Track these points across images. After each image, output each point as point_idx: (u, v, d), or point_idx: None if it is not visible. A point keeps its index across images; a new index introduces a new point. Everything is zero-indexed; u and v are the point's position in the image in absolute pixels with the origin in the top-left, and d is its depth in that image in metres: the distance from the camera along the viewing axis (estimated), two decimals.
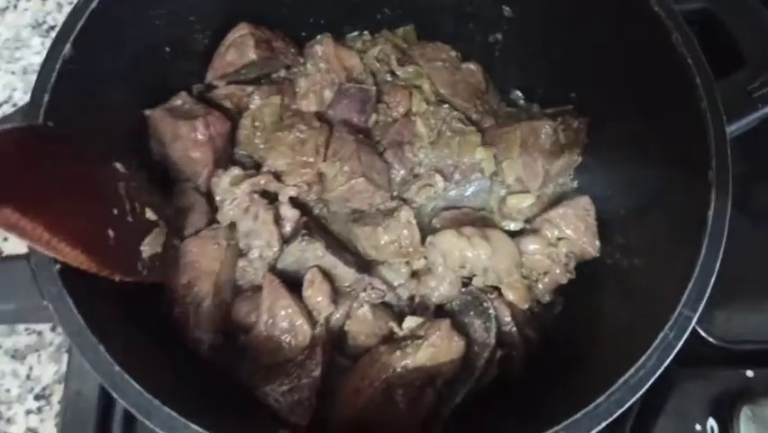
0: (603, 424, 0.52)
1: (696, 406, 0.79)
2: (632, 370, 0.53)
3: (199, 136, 0.77)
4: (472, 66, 0.93)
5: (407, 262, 0.81)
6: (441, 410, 0.70)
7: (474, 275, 0.79)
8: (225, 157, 0.84)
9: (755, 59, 0.70)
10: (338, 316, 0.76)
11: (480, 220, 0.85)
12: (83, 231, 0.56)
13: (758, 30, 0.69)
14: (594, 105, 0.83)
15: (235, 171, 0.79)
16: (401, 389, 0.69)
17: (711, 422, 0.79)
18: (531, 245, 0.79)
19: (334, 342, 0.76)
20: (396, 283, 0.80)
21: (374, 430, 0.68)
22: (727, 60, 0.70)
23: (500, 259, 0.77)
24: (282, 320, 0.72)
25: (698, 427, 0.79)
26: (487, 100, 0.93)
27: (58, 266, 0.55)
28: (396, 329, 0.75)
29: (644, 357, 0.54)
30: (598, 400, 0.52)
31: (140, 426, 0.81)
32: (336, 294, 0.76)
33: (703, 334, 0.84)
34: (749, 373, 0.81)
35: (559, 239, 0.80)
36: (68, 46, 0.63)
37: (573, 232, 0.79)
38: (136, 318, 0.63)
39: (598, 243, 0.79)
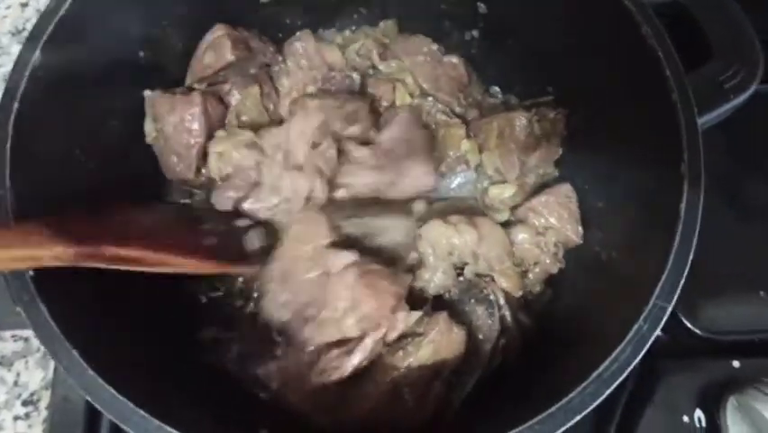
0: (578, 417, 0.52)
1: (683, 397, 0.80)
2: (606, 363, 0.54)
3: (196, 108, 0.78)
4: (454, 59, 0.93)
5: None
6: (451, 399, 0.71)
7: (465, 263, 0.79)
8: None
9: (725, 51, 0.70)
10: None
11: (468, 210, 0.85)
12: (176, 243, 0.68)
13: (727, 22, 0.69)
14: (571, 99, 0.83)
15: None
16: (408, 387, 0.69)
17: (698, 413, 0.80)
18: (519, 235, 0.80)
19: None
20: None
21: (384, 428, 0.68)
22: (697, 53, 0.71)
23: (490, 246, 0.78)
24: None
25: (685, 418, 0.79)
26: (470, 93, 0.93)
27: (31, 273, 0.55)
28: None
29: (617, 350, 0.54)
30: (572, 394, 0.52)
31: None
32: None
33: (690, 326, 0.84)
34: (735, 364, 0.81)
35: (546, 228, 0.80)
36: (37, 53, 0.63)
37: (557, 220, 0.79)
38: (114, 320, 0.62)
39: (581, 229, 0.80)
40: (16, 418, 0.88)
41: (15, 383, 0.90)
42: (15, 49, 1.12)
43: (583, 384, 0.53)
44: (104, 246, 0.60)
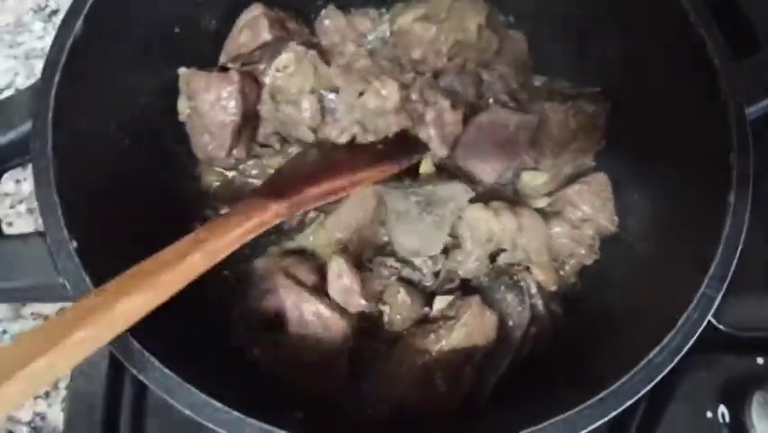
0: (628, 403, 0.52)
1: (707, 393, 0.79)
2: (656, 349, 0.53)
3: (233, 85, 0.76)
4: (517, 34, 0.91)
5: None
6: (483, 385, 0.70)
7: (503, 249, 0.78)
8: (250, 128, 0.83)
9: None
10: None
11: (507, 197, 0.84)
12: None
13: None
14: (615, 89, 0.82)
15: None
16: (439, 371, 0.68)
17: (722, 409, 0.79)
18: (556, 228, 0.79)
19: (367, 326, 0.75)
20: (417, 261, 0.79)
21: (415, 412, 0.68)
22: (743, 45, 0.69)
23: (530, 237, 0.77)
24: (311, 319, 0.71)
25: (709, 414, 0.79)
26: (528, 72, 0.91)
27: (74, 243, 0.54)
28: (428, 312, 0.75)
29: (668, 337, 0.54)
30: (623, 380, 0.52)
31: (149, 409, 0.80)
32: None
33: (714, 322, 0.83)
34: (759, 361, 0.81)
35: (583, 221, 0.79)
36: (79, 23, 0.62)
37: (590, 208, 0.79)
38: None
39: (616, 218, 0.79)
40: (35, 397, 0.87)
41: None
42: (38, 26, 1.12)
43: (633, 370, 0.52)
44: (305, 191, 0.70)
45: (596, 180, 0.80)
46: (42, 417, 0.86)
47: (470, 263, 0.77)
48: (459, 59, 0.86)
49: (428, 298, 0.76)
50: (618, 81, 0.81)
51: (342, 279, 0.72)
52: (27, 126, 0.60)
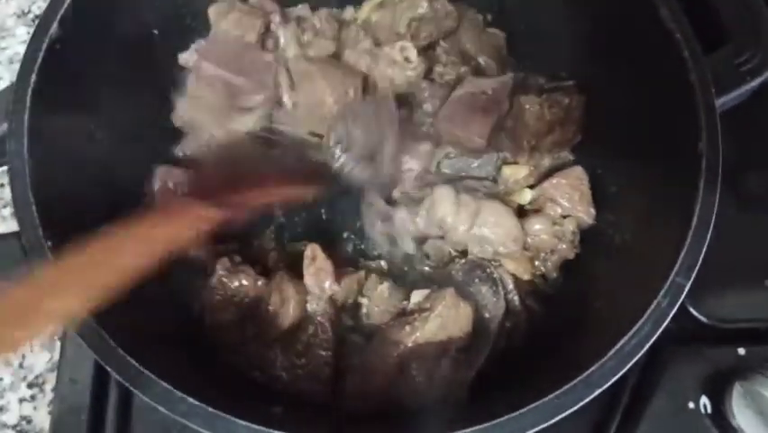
0: (598, 391, 0.53)
1: (689, 384, 0.80)
2: (626, 338, 0.54)
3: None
4: (497, 31, 0.94)
5: None
6: (462, 379, 0.71)
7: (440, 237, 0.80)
8: None
9: (740, 35, 0.70)
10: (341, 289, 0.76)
11: (485, 191, 0.85)
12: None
13: (742, 5, 0.70)
14: (589, 83, 0.83)
15: None
16: (415, 363, 0.69)
17: (704, 399, 0.80)
18: (536, 225, 0.79)
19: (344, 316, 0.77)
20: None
21: (393, 405, 0.69)
22: (712, 38, 0.71)
23: (493, 227, 0.77)
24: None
25: (691, 404, 0.80)
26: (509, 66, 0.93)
27: (49, 243, 0.55)
28: (406, 305, 0.76)
29: (637, 325, 0.54)
30: (593, 368, 0.53)
31: (134, 412, 0.80)
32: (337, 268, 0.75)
33: (696, 314, 0.84)
34: (741, 351, 0.82)
35: (564, 216, 0.80)
36: (54, 25, 0.63)
37: (568, 201, 0.79)
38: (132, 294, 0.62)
39: (593, 210, 0.80)
40: (22, 400, 0.87)
41: (20, 366, 0.89)
42: (21, 31, 1.12)
43: (603, 359, 0.53)
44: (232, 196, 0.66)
45: (573, 173, 0.81)
46: (29, 420, 0.86)
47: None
48: (423, 34, 0.89)
49: (407, 292, 0.77)
50: (593, 75, 0.82)
51: (315, 262, 0.73)
52: (2, 129, 0.61)
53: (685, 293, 0.56)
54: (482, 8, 0.94)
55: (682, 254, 0.56)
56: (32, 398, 0.87)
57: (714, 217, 0.58)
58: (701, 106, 0.61)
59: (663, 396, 0.80)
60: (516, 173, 0.85)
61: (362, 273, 0.78)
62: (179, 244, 0.58)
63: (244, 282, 0.74)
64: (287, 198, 0.78)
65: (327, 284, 0.73)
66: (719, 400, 0.79)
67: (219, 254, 0.77)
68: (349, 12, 0.94)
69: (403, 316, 0.73)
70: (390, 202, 0.82)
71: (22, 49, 1.09)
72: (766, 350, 0.81)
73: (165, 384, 0.51)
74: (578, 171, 0.81)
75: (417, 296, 0.75)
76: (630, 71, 0.73)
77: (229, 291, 0.73)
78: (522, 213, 0.82)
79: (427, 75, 0.88)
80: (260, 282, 0.74)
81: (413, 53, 0.84)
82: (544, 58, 0.89)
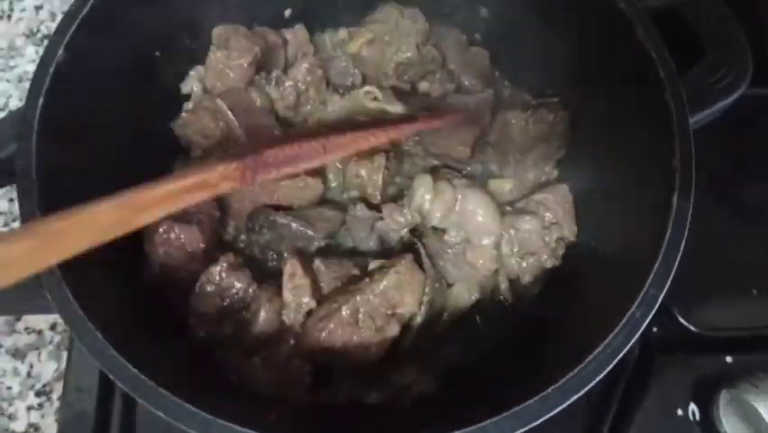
0: (572, 398, 0.55)
1: (678, 391, 0.82)
2: (600, 347, 0.56)
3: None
4: (481, 50, 0.97)
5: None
6: (405, 338, 0.74)
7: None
8: None
9: (716, 54, 0.73)
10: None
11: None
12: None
13: (718, 24, 0.72)
14: (572, 100, 0.86)
15: None
16: (366, 315, 0.71)
17: (693, 406, 0.82)
18: (526, 224, 0.81)
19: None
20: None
21: (340, 357, 0.71)
22: (690, 53, 0.73)
23: (471, 220, 0.80)
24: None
25: (679, 411, 0.82)
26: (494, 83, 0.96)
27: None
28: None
29: (611, 335, 0.56)
30: (567, 377, 0.55)
31: (138, 418, 0.83)
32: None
33: (684, 322, 0.86)
34: (728, 359, 0.84)
35: (552, 224, 0.82)
36: (61, 50, 0.66)
37: (553, 216, 0.82)
38: (136, 305, 0.65)
39: (575, 227, 0.82)
40: (29, 408, 0.90)
41: (29, 375, 0.92)
42: (30, 50, 1.16)
43: (578, 368, 0.55)
44: (265, 152, 0.64)
45: (558, 190, 0.84)
46: (36, 427, 0.89)
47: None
48: (407, 75, 0.93)
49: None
50: (575, 93, 0.85)
51: (294, 278, 0.75)
52: (11, 149, 0.64)
53: (658, 305, 0.58)
54: (467, 29, 0.97)
55: (656, 266, 0.59)
56: (40, 406, 0.90)
57: (687, 231, 0.60)
58: (675, 123, 0.64)
59: (652, 403, 0.82)
60: (502, 186, 0.88)
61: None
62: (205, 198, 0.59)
63: (239, 283, 0.75)
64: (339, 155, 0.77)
65: (305, 300, 0.74)
66: (707, 407, 0.81)
67: (224, 249, 0.80)
68: (342, 33, 0.98)
69: (360, 277, 0.76)
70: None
71: (31, 68, 1.14)
72: (753, 358, 0.83)
73: (166, 393, 0.53)
74: (563, 189, 0.84)
75: (375, 263, 0.77)
76: (609, 89, 0.76)
77: (223, 285, 0.75)
78: (515, 211, 0.84)
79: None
80: (251, 289, 0.76)
81: (380, 95, 0.87)
82: (527, 75, 0.93)
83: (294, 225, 0.80)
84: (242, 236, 0.85)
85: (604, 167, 0.79)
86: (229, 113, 0.81)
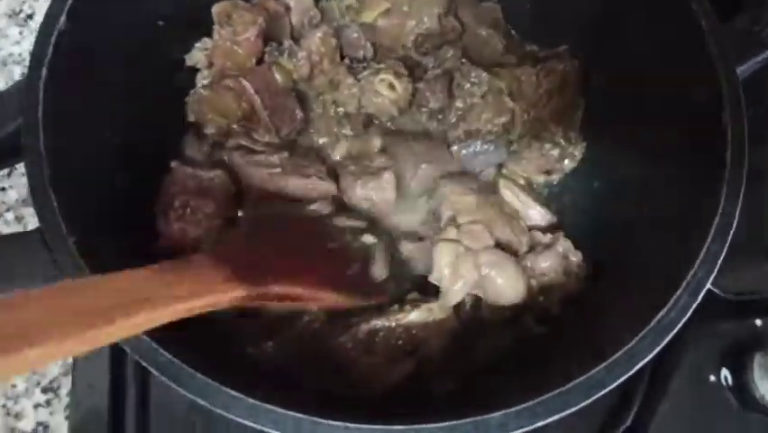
0: (641, 363, 0.52)
1: (709, 358, 0.81)
2: (664, 310, 0.54)
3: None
4: (491, 4, 0.94)
5: None
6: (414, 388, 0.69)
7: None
8: None
9: (753, 3, 0.69)
10: None
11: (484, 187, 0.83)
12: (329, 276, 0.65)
13: None
14: (602, 58, 0.82)
15: None
16: (383, 341, 0.68)
17: (725, 372, 0.81)
18: (544, 263, 0.75)
19: None
20: None
21: (343, 378, 0.68)
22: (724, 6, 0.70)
23: (496, 291, 0.73)
24: None
25: (712, 378, 0.80)
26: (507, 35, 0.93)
27: (73, 238, 0.53)
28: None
29: (676, 295, 0.54)
30: (634, 342, 0.52)
31: (153, 412, 0.80)
32: None
33: (711, 287, 0.84)
34: (758, 323, 0.83)
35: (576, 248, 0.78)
36: (62, 18, 0.61)
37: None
38: None
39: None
40: (37, 405, 0.86)
41: (33, 371, 0.87)
42: (13, 31, 1.10)
43: (643, 331, 0.53)
44: (270, 285, 0.56)
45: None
46: (45, 426, 0.85)
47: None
48: (425, 46, 0.88)
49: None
50: (600, 48, 0.81)
51: None
52: (11, 128, 0.59)
53: (720, 261, 0.55)
54: None
55: (715, 223, 0.56)
56: (48, 403, 0.86)
57: (744, 184, 0.58)
58: (722, 77, 0.60)
59: (684, 371, 0.80)
60: (514, 173, 0.85)
61: None
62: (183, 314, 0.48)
63: None
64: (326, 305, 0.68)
65: None
66: (740, 373, 0.79)
67: None
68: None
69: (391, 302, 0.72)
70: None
71: (15, 50, 1.08)
72: None
73: (204, 378, 0.50)
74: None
75: (414, 294, 0.73)
76: (649, 47, 0.71)
77: None
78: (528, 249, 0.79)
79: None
80: None
81: (397, 82, 0.83)
82: (540, 24, 0.89)
83: None
84: None
85: (641, 137, 0.74)
86: (255, 95, 0.77)
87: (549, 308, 0.76)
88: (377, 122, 0.86)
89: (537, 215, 0.82)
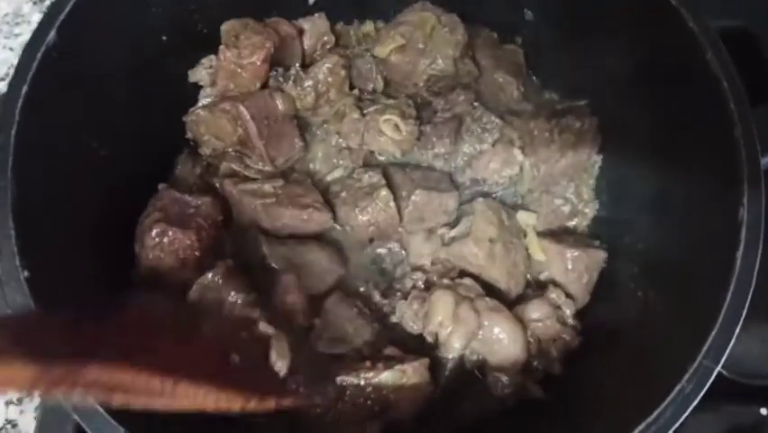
0: None
1: None
2: (642, 426, 0.49)
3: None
4: (513, 46, 0.90)
5: None
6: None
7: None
8: None
9: None
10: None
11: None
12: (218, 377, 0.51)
13: None
14: (619, 119, 0.78)
15: None
16: (351, 400, 0.65)
17: None
18: (535, 313, 0.73)
19: None
20: None
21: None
22: (761, 86, 0.65)
23: (496, 350, 0.71)
24: None
25: None
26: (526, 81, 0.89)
27: (26, 273, 0.51)
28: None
29: (656, 411, 0.49)
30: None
31: None
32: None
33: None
34: (763, 411, 0.78)
35: (567, 296, 0.75)
36: (52, 32, 0.59)
37: (575, 279, 0.75)
38: None
39: (588, 298, 0.76)
40: (8, 403, 0.85)
41: None
42: (36, 18, 1.09)
43: (661, 407, 0.49)
44: (87, 367, 0.43)
45: (596, 256, 0.77)
46: (14, 424, 0.84)
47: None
48: (437, 86, 0.84)
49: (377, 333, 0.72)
50: (630, 113, 0.76)
51: (290, 292, 0.68)
52: None
53: (712, 379, 0.51)
54: (508, 32, 0.90)
55: (713, 334, 0.51)
56: (19, 401, 0.85)
57: (750, 295, 0.53)
58: (744, 166, 0.55)
59: None
60: (530, 219, 0.81)
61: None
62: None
63: (234, 293, 0.66)
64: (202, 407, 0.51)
65: (299, 317, 0.68)
66: None
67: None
68: (368, 27, 0.91)
69: (364, 356, 0.69)
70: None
71: None
72: None
73: None
74: (601, 256, 0.77)
75: (392, 350, 0.70)
76: (672, 116, 0.67)
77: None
78: (519, 299, 0.77)
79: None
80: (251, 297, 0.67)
81: (403, 124, 0.79)
82: (561, 79, 0.86)
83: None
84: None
85: (651, 205, 0.71)
86: (251, 122, 0.74)
87: (550, 367, 0.73)
88: (379, 158, 0.83)
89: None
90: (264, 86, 0.80)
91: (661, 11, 0.63)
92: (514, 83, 0.85)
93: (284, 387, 0.59)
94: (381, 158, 0.83)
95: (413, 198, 0.76)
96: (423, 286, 0.75)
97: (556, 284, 0.77)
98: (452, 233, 0.77)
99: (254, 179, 0.77)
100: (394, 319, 0.74)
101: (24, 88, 0.57)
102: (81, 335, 0.45)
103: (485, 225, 0.75)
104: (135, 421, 0.50)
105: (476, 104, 0.80)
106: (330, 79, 0.81)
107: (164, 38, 0.75)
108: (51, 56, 0.59)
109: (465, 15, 0.86)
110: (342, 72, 0.82)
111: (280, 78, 0.80)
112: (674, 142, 0.67)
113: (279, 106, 0.77)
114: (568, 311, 0.74)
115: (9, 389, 0.46)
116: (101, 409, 0.49)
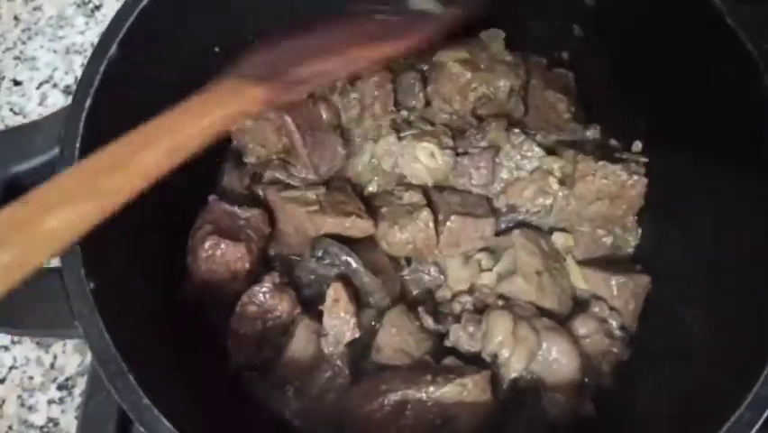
0: None
1: None
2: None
3: None
4: (563, 70, 0.89)
5: None
6: None
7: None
8: None
9: None
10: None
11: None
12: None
13: None
14: (669, 152, 0.75)
15: None
16: (413, 414, 0.65)
17: None
18: (582, 328, 0.73)
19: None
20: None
21: None
22: None
23: (553, 370, 0.71)
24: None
25: None
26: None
27: (92, 285, 0.52)
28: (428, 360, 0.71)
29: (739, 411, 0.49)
30: None
31: None
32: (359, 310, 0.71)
33: None
34: None
35: (611, 309, 0.74)
36: (113, 47, 0.60)
37: (622, 306, 0.74)
38: (171, 344, 0.60)
39: (636, 324, 0.75)
40: (50, 401, 0.87)
41: (52, 366, 0.89)
42: (80, 21, 1.11)
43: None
44: (291, 71, 0.56)
45: (642, 281, 0.76)
46: (56, 423, 0.86)
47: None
48: (482, 111, 0.84)
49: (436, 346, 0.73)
50: (681, 145, 0.74)
51: (339, 303, 0.69)
52: (52, 154, 0.58)
53: None
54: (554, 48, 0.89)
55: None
56: (61, 400, 0.87)
57: None
58: None
59: None
60: (567, 241, 0.80)
61: None
62: (221, 128, 0.51)
63: (282, 306, 0.71)
64: (364, 64, 0.66)
65: (349, 328, 0.69)
66: None
67: (269, 267, 0.75)
68: None
69: (424, 366, 0.70)
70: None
71: (79, 39, 1.08)
72: None
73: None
74: (645, 281, 0.76)
75: (450, 360, 0.70)
76: (728, 149, 0.65)
77: (265, 306, 0.71)
78: (567, 317, 0.76)
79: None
80: (297, 311, 0.72)
81: (439, 154, 0.79)
82: (607, 107, 0.84)
83: (366, 279, 0.72)
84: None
85: (702, 231, 0.70)
86: (296, 132, 0.74)
87: (601, 382, 0.73)
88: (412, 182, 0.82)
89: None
90: (310, 95, 0.80)
91: None
92: (565, 101, 0.84)
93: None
94: (413, 182, 0.82)
95: (448, 223, 0.75)
96: (472, 308, 0.75)
97: (598, 298, 0.76)
98: (497, 268, 0.76)
99: (296, 187, 0.78)
100: (447, 344, 0.73)
101: (88, 102, 0.58)
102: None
103: (529, 258, 0.74)
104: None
105: (516, 130, 0.79)
106: (376, 93, 0.81)
107: (216, 49, 0.76)
108: (113, 69, 0.60)
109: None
110: (389, 86, 0.81)
111: (326, 89, 0.80)
112: (736, 187, 0.65)
113: (324, 115, 0.78)
114: (614, 323, 0.74)
115: (251, 109, 0.55)
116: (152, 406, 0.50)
